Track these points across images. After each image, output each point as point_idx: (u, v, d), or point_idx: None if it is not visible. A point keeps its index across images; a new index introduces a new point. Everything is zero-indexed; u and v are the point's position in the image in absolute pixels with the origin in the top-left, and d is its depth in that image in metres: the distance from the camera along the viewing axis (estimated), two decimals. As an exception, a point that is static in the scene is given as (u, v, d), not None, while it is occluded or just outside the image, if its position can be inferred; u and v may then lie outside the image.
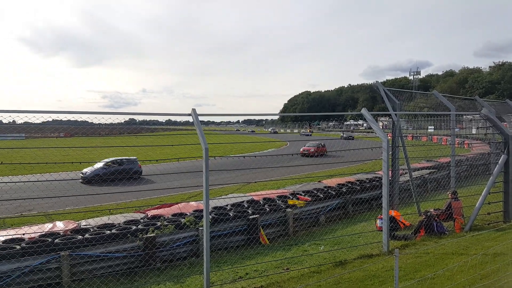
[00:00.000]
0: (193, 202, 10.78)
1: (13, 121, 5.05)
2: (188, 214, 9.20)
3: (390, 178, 7.44)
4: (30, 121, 4.78)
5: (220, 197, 11.68)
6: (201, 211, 9.50)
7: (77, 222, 8.72)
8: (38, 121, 4.91)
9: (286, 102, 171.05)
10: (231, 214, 9.04)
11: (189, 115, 5.43)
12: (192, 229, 8.15)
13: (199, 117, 5.34)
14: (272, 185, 16.67)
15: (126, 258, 7.13)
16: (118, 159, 20.66)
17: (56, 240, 7.18)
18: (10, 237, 7.46)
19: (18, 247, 6.92)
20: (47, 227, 8.30)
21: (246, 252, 7.93)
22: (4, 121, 5.06)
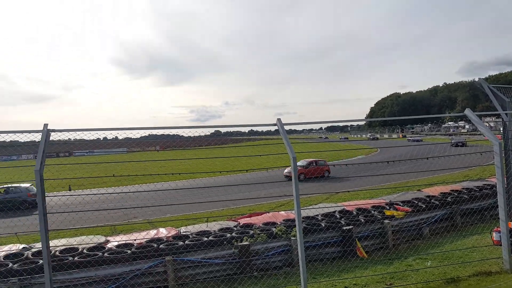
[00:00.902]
0: (282, 212, 10.99)
1: (116, 137, 5.68)
2: (279, 223, 9.41)
3: (506, 186, 6.64)
4: (130, 136, 5.37)
5: (310, 207, 11.67)
6: (291, 220, 9.63)
7: (177, 229, 9.57)
8: (137, 137, 5.52)
9: (373, 105, 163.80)
10: (323, 225, 8.98)
11: (275, 125, 5.63)
12: (284, 239, 8.32)
13: (284, 126, 5.51)
14: (364, 195, 16.10)
15: (224, 265, 7.58)
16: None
17: (161, 246, 7.98)
18: (124, 242, 8.50)
19: (129, 251, 7.87)
20: (152, 233, 9.26)
21: (342, 264, 7.79)
22: (109, 137, 5.76)
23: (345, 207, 11.15)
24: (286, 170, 23.08)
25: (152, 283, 7.13)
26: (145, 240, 8.60)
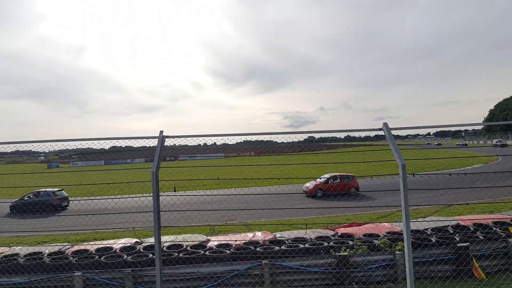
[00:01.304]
0: (385, 223, 10.28)
1: (214, 143, 5.97)
2: (381, 235, 8.82)
3: None
4: (227, 142, 5.63)
5: (418, 220, 10.69)
6: (396, 233, 8.94)
7: (273, 234, 9.67)
8: (233, 142, 5.73)
9: (492, 108, 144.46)
10: (433, 240, 8.13)
11: (380, 129, 5.25)
12: (388, 252, 7.74)
13: (391, 131, 5.10)
14: (482, 208, 14.18)
15: (321, 274, 7.37)
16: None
17: (258, 249, 8.13)
18: (223, 242, 8.91)
19: (228, 251, 8.20)
20: (249, 236, 9.52)
21: (457, 285, 6.92)
22: (208, 143, 6.04)
23: (459, 221, 9.94)
24: (306, 185, 21.41)
25: (250, 284, 7.29)
26: (243, 242, 8.87)
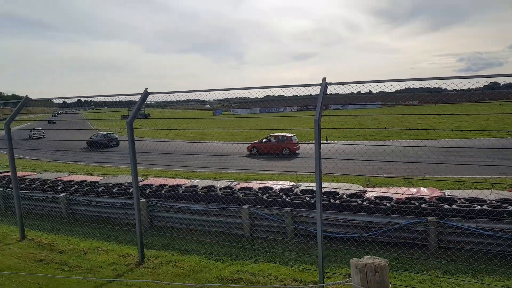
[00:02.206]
0: None
1: (370, 91, 5.64)
2: None
3: None
4: (385, 90, 5.25)
5: None
6: None
7: (442, 191, 8.86)
8: (392, 90, 5.28)
9: None
10: None
11: None
12: None
13: None
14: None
15: (498, 239, 6.49)
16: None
17: (423, 205, 7.62)
18: (382, 194, 8.68)
19: (388, 204, 7.95)
20: (412, 191, 8.98)
21: None
22: (363, 91, 5.70)
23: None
24: None
25: (409, 239, 6.98)
26: (405, 196, 8.44)
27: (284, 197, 8.90)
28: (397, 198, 8.35)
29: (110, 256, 6.88)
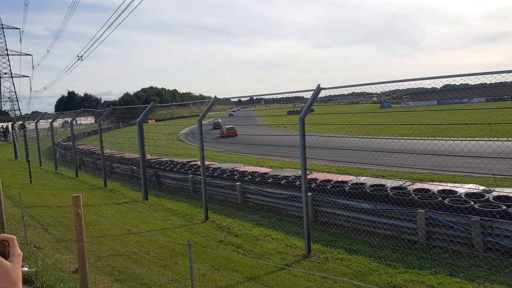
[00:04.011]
0: None
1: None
2: None
3: None
4: None
5: None
6: None
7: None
8: None
9: None
10: None
11: None
12: None
13: None
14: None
15: None
16: None
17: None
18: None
19: None
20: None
21: None
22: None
23: None
24: None
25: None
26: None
27: (472, 203, 7.70)
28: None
29: (278, 244, 7.31)
